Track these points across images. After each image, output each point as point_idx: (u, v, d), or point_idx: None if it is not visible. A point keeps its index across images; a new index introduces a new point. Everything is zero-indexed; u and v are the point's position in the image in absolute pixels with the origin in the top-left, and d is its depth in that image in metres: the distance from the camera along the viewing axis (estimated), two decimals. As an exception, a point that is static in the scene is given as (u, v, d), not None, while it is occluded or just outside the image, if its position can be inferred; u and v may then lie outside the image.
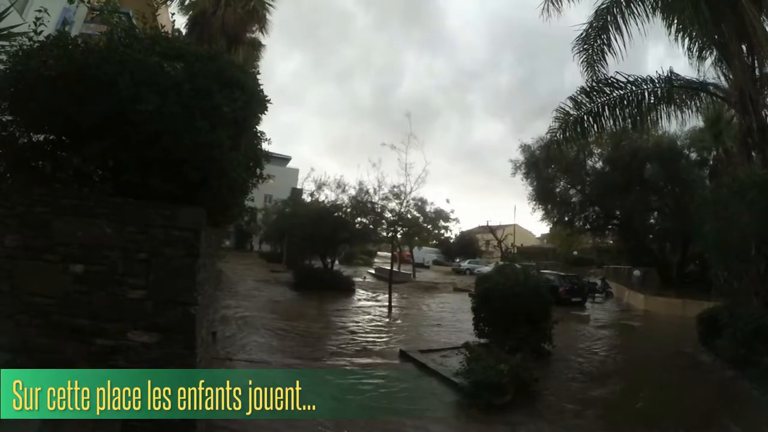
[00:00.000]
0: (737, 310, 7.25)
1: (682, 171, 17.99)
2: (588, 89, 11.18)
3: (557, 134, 12.13)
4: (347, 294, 16.70)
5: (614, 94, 10.85)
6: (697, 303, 14.56)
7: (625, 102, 10.96)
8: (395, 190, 15.89)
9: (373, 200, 15.36)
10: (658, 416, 5.91)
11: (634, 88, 10.58)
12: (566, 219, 26.54)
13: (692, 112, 10.91)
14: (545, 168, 24.25)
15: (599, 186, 22.32)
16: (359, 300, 15.88)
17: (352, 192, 17.42)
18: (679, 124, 12.29)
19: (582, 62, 11.75)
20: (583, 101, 11.28)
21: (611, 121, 11.39)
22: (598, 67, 11.43)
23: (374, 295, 17.42)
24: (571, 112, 11.54)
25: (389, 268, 17.03)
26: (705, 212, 9.19)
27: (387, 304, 13.81)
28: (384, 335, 9.99)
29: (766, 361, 6.60)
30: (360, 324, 11.12)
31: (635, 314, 15.83)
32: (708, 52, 10.52)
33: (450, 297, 20.26)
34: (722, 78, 10.19)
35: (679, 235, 19.51)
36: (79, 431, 3.18)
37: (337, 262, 20.76)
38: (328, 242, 17.40)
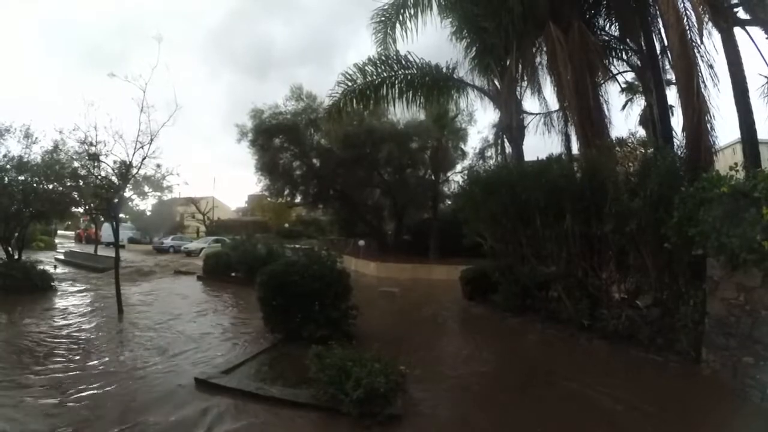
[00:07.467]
0: (517, 268, 8.73)
1: (410, 153, 20.80)
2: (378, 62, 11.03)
3: (341, 102, 11.52)
4: (46, 294, 11.51)
5: (400, 73, 11.07)
6: (425, 266, 17.34)
7: (405, 82, 11.36)
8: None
9: (91, 153, 10.04)
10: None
11: (417, 71, 11.07)
12: (286, 191, 26.56)
13: (448, 102, 12.47)
14: (275, 137, 23.32)
15: (326, 160, 23.14)
16: (69, 301, 11.00)
17: (50, 145, 11.87)
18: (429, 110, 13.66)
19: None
20: (372, 72, 11.06)
21: (389, 96, 11.62)
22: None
23: (85, 290, 12.66)
24: (359, 81, 11.15)
25: (84, 251, 12.28)
26: (463, 201, 10.92)
27: (116, 304, 9.74)
28: (157, 355, 6.76)
29: (545, 305, 8.21)
30: (100, 339, 7.43)
31: (382, 281, 15.83)
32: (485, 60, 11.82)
33: (179, 282, 16.62)
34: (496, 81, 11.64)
35: (394, 209, 22.75)
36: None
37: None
38: (12, 221, 10.52)
